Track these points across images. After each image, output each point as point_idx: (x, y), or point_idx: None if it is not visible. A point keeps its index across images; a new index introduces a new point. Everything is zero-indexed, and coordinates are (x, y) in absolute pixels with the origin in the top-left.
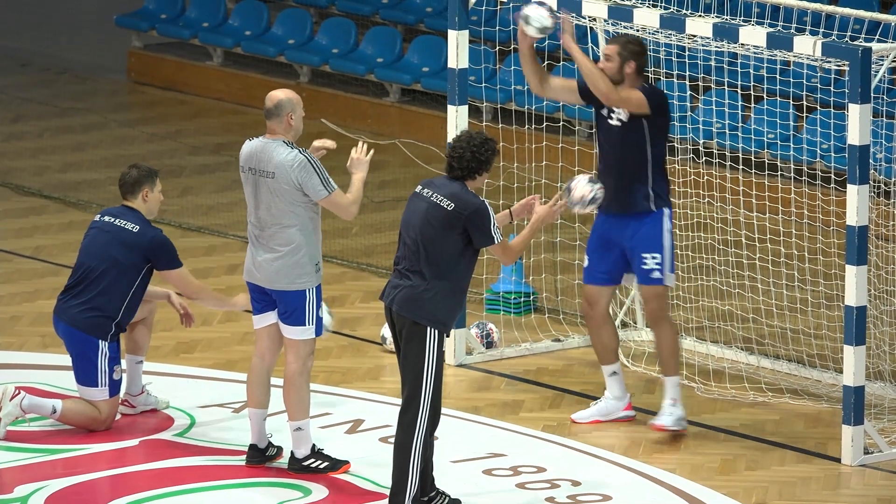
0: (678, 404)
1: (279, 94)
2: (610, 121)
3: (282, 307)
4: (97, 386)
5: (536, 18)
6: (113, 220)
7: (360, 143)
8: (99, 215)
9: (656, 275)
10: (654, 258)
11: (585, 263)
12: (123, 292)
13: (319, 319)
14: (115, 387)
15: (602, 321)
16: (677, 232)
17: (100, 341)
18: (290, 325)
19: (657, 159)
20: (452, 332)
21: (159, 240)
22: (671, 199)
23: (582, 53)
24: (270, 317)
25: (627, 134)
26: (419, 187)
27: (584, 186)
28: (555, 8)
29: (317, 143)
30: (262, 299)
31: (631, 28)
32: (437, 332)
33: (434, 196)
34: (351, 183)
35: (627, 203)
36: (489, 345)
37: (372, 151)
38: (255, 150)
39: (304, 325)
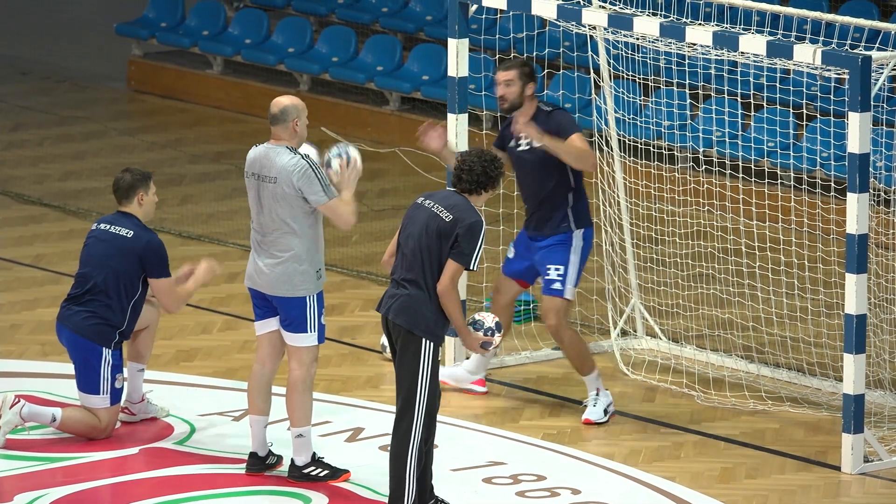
0: (602, 393)
1: (285, 101)
2: (518, 149)
3: (283, 314)
4: (99, 394)
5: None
6: (108, 227)
7: (342, 161)
8: (95, 224)
9: (557, 286)
10: (557, 270)
11: (510, 254)
12: (126, 299)
13: (322, 326)
14: (116, 395)
15: (501, 310)
16: (677, 240)
17: (103, 349)
18: (292, 333)
19: (576, 180)
20: (452, 340)
21: (153, 245)
22: (591, 217)
23: (552, 141)
24: (271, 323)
25: (544, 160)
26: (421, 198)
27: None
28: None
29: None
30: (264, 305)
31: (631, 36)
32: (432, 343)
33: (435, 207)
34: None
35: (547, 228)
36: None
37: (358, 165)
38: (259, 156)
39: (306, 331)
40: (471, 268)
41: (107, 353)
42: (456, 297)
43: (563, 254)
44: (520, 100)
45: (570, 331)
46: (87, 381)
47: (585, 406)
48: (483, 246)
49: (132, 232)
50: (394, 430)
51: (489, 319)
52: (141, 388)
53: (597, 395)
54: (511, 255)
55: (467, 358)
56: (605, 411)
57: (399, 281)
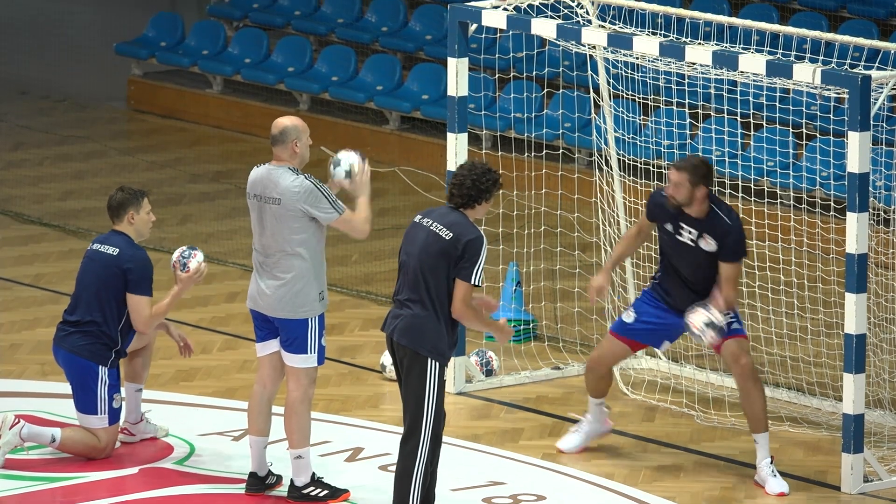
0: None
1: (285, 121)
2: (679, 237)
3: (284, 335)
4: (97, 414)
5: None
6: (99, 247)
7: (355, 165)
8: (91, 243)
9: (736, 326)
10: (727, 313)
11: (630, 318)
12: (118, 318)
13: (322, 348)
14: (114, 415)
15: (607, 372)
16: None
17: (100, 369)
18: (292, 353)
19: None
20: (453, 360)
21: (137, 260)
22: None
23: (730, 292)
24: (273, 345)
25: (705, 255)
26: (418, 216)
27: (699, 317)
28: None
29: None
30: (265, 327)
31: (630, 55)
32: (437, 363)
33: (433, 225)
34: (357, 206)
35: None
36: (489, 373)
37: (365, 167)
38: (260, 177)
39: (306, 353)
40: (475, 283)
41: (103, 373)
42: (472, 313)
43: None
44: (688, 201)
45: (758, 377)
46: (85, 402)
47: (766, 477)
48: (484, 262)
49: (118, 250)
50: (400, 450)
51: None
52: (140, 408)
53: (771, 462)
54: (630, 319)
55: (468, 381)
56: (775, 474)
57: (402, 301)
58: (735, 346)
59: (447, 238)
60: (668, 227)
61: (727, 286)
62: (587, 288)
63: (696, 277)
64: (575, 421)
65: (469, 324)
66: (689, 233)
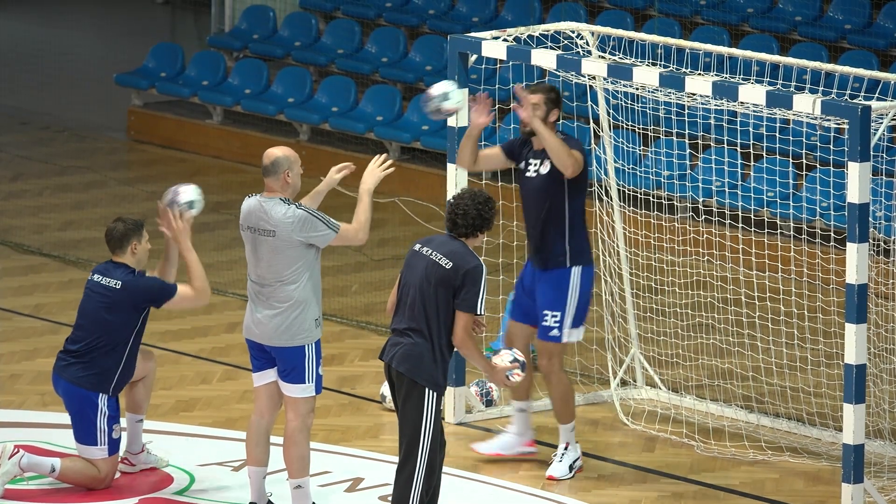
0: (572, 447)
1: (276, 152)
2: (527, 173)
3: (281, 364)
4: (96, 444)
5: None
6: (101, 279)
7: (381, 155)
8: (91, 274)
9: (554, 332)
10: (553, 316)
11: (511, 296)
12: (119, 350)
13: (319, 377)
14: (114, 445)
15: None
16: (676, 290)
17: (99, 400)
18: (289, 384)
19: (576, 212)
20: (453, 390)
21: (142, 285)
22: (591, 254)
23: (545, 128)
24: (270, 374)
25: (546, 186)
26: (417, 245)
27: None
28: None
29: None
30: (262, 357)
31: (630, 86)
32: (435, 393)
33: (433, 254)
34: (358, 200)
35: (543, 259)
36: (489, 403)
37: (389, 166)
38: (252, 209)
39: (304, 382)
40: (478, 313)
41: (102, 404)
42: (473, 344)
43: (560, 297)
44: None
45: (562, 375)
46: (84, 432)
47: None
48: (485, 291)
49: (121, 283)
50: (395, 479)
51: (506, 356)
52: (140, 438)
53: (566, 449)
54: (512, 296)
55: (468, 411)
56: (571, 467)
57: (402, 330)
58: (548, 347)
59: (447, 267)
60: (521, 165)
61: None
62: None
63: (538, 218)
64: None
65: (468, 355)
66: (535, 165)
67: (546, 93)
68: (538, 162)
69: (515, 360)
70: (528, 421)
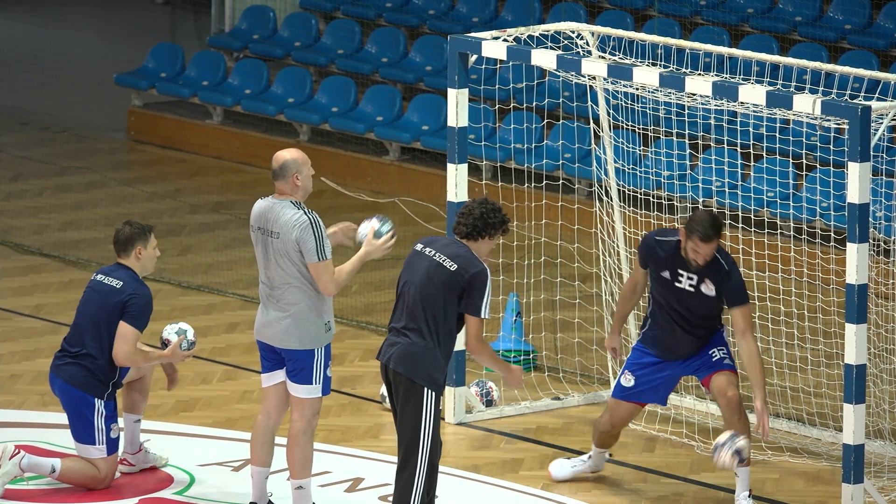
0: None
1: (285, 155)
2: (678, 284)
3: (290, 365)
4: (95, 444)
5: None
6: (104, 278)
7: (390, 234)
8: (95, 273)
9: (728, 361)
10: (720, 349)
11: (630, 383)
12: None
13: (327, 379)
14: (112, 445)
15: (619, 434)
16: None
17: (95, 399)
18: (296, 384)
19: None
20: (453, 390)
21: (138, 294)
22: None
23: (761, 403)
24: (279, 375)
25: (704, 300)
26: (420, 245)
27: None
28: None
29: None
30: (272, 357)
31: (630, 86)
32: (433, 392)
33: (437, 255)
34: (350, 261)
35: (698, 347)
36: (489, 403)
37: (392, 242)
38: (263, 210)
39: (311, 383)
40: (483, 316)
41: (99, 405)
42: (485, 349)
43: (721, 340)
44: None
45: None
46: (82, 432)
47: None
48: (490, 294)
49: (122, 283)
50: (396, 480)
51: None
52: (138, 438)
53: (749, 495)
54: (632, 383)
55: (468, 411)
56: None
57: (400, 329)
58: (723, 379)
59: (451, 269)
60: (666, 274)
61: (743, 338)
62: (605, 347)
63: (692, 324)
64: (579, 452)
65: (483, 360)
66: (690, 279)
67: (718, 236)
68: (695, 277)
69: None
70: (603, 459)
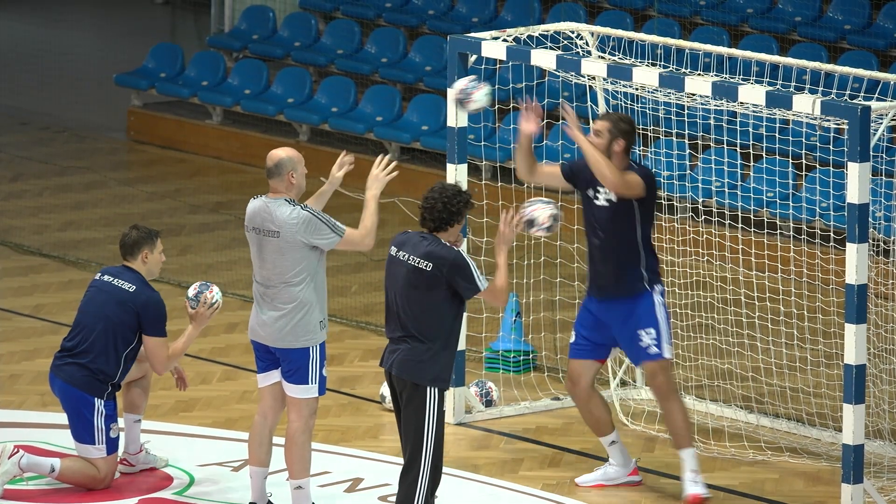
0: (699, 475)
1: (279, 153)
2: (596, 201)
3: (285, 365)
4: (94, 444)
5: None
6: (111, 279)
7: (381, 157)
8: (99, 274)
9: (654, 350)
10: (648, 334)
11: (572, 339)
12: (118, 352)
13: (323, 378)
14: (112, 445)
15: (588, 396)
16: (676, 290)
17: (95, 399)
18: (293, 384)
19: (646, 238)
20: (452, 390)
21: (153, 301)
22: (660, 274)
23: (587, 142)
24: (274, 375)
25: (616, 215)
26: (393, 249)
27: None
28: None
29: (336, 171)
30: (267, 358)
31: (630, 86)
32: (437, 391)
33: (411, 259)
34: (364, 206)
35: (622, 287)
36: (488, 403)
37: (393, 169)
38: (257, 210)
39: (308, 383)
40: (482, 288)
41: (99, 404)
42: (505, 282)
43: (650, 316)
44: (606, 153)
45: (677, 395)
46: (81, 432)
47: (686, 483)
48: (476, 267)
49: (134, 287)
50: (400, 480)
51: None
52: (139, 438)
53: (696, 475)
54: (573, 339)
55: (467, 412)
56: (706, 488)
57: (397, 338)
58: (652, 367)
59: (428, 269)
60: (589, 192)
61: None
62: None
63: (610, 247)
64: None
65: (503, 294)
66: (606, 193)
67: (613, 122)
68: (608, 190)
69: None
70: (624, 450)
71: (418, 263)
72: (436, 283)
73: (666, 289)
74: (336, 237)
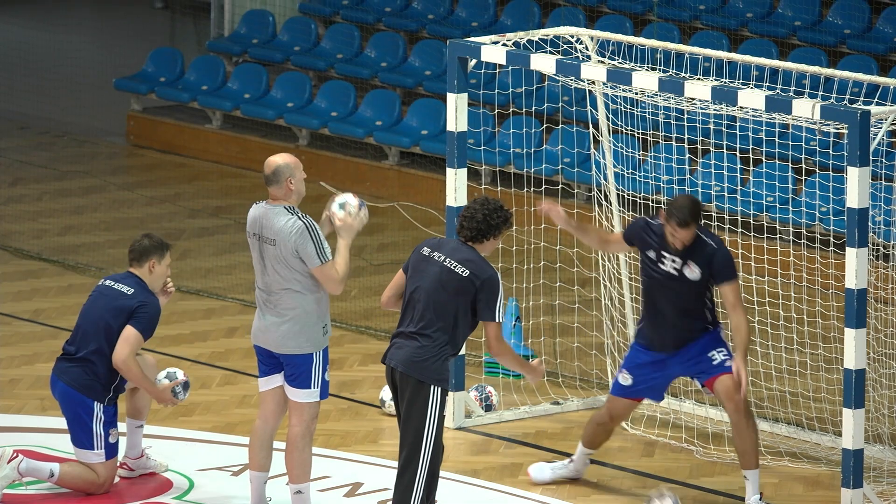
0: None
1: (277, 160)
2: (661, 265)
3: (288, 370)
4: (93, 449)
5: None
6: (113, 283)
7: (357, 205)
8: (103, 279)
9: (729, 364)
10: (720, 352)
11: (628, 382)
12: None
13: (325, 383)
14: (111, 450)
15: (614, 430)
16: None
17: (95, 404)
18: (295, 388)
19: (711, 292)
20: (452, 394)
21: (149, 303)
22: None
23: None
24: (276, 379)
25: (691, 288)
26: (427, 249)
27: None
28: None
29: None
30: (269, 362)
31: (630, 91)
32: (440, 391)
33: (446, 260)
34: (336, 252)
35: (688, 340)
36: (488, 408)
37: (365, 212)
38: (258, 216)
39: (310, 388)
40: (498, 320)
41: (98, 409)
42: (507, 349)
43: (717, 340)
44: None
45: (753, 413)
46: (80, 437)
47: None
48: (503, 298)
49: (133, 290)
50: (396, 483)
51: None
52: (140, 443)
53: (760, 498)
54: (629, 381)
55: (467, 416)
56: None
57: (410, 334)
58: (729, 381)
59: (464, 275)
60: (651, 254)
61: (734, 312)
62: (542, 204)
63: (678, 311)
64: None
65: (505, 360)
66: (673, 261)
67: (695, 222)
68: (680, 262)
69: None
70: (587, 465)
71: (454, 266)
72: (466, 289)
73: None
74: (318, 262)
